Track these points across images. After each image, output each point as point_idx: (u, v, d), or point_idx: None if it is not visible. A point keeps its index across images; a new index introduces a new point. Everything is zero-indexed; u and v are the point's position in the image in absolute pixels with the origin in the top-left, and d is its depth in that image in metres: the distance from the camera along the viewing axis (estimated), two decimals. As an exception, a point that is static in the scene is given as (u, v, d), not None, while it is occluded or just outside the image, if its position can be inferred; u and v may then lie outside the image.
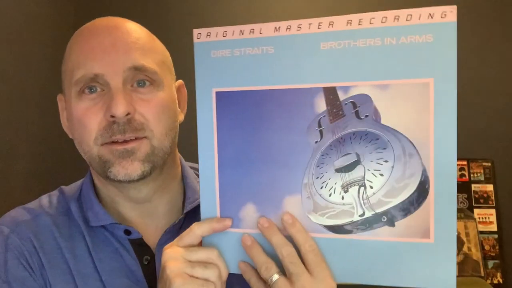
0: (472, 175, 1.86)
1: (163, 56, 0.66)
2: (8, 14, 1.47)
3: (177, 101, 0.67)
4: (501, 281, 1.72)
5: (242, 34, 0.54)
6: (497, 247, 1.77)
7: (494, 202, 1.82)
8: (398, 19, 0.49)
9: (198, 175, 0.71)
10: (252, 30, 0.54)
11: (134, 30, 0.63)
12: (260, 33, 0.54)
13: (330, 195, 0.53)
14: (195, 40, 0.56)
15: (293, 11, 2.00)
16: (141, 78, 0.61)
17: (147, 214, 0.67)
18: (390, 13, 0.50)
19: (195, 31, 0.56)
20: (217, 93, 0.56)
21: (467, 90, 1.93)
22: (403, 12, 0.49)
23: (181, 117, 0.69)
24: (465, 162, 1.87)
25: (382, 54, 0.50)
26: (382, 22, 0.50)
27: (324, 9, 1.99)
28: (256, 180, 0.55)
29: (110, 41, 0.60)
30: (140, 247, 0.64)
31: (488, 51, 1.95)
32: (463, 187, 1.84)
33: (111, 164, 0.60)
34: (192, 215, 0.66)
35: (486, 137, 1.90)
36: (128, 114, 0.58)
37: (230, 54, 0.55)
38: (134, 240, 0.64)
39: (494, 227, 1.79)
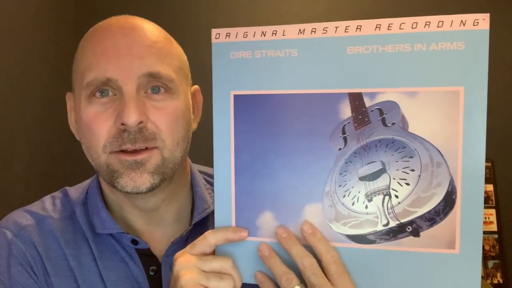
0: (472, 175, 1.86)
1: (180, 61, 0.62)
2: (8, 14, 1.44)
3: (191, 108, 0.64)
4: (501, 281, 1.73)
5: (264, 35, 0.52)
6: (497, 247, 1.78)
7: (494, 202, 1.83)
8: (429, 25, 0.48)
9: (207, 180, 0.70)
10: (274, 32, 0.52)
11: (151, 32, 0.59)
12: (283, 35, 0.52)
13: (353, 203, 0.51)
14: (213, 40, 0.54)
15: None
16: (156, 84, 0.57)
17: (154, 223, 0.64)
18: (421, 19, 0.48)
19: (214, 31, 0.54)
20: (235, 96, 0.54)
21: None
22: (434, 18, 0.48)
23: (194, 125, 0.65)
24: (465, 162, 1.87)
25: (412, 60, 0.48)
26: (412, 27, 0.48)
27: (323, 9, 1.97)
28: (274, 187, 0.53)
29: (125, 43, 0.56)
30: (146, 257, 0.62)
31: (490, 50, 1.94)
32: (463, 186, 1.85)
33: (119, 174, 0.57)
34: (200, 226, 0.63)
35: (486, 137, 1.90)
36: (140, 123, 0.55)
37: (250, 56, 0.53)
38: (140, 250, 0.62)
39: (494, 227, 1.80)
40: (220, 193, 0.55)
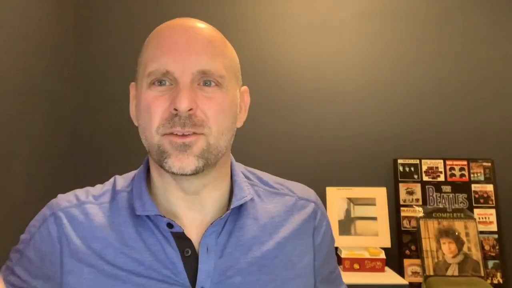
0: (472, 175, 1.86)
1: (232, 61, 0.70)
2: (9, 15, 1.44)
3: (238, 105, 0.71)
4: (501, 281, 1.73)
5: None
6: (497, 247, 1.78)
7: (494, 202, 1.83)
8: None
9: (246, 175, 0.76)
10: None
11: (209, 33, 0.67)
12: None
13: None
14: None
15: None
16: (208, 79, 0.64)
17: (194, 207, 0.69)
18: None
19: None
20: None
21: (468, 90, 1.93)
22: None
23: (239, 123, 0.72)
24: (465, 162, 1.88)
25: None
26: None
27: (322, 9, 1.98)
28: None
29: (184, 41, 0.64)
30: (181, 239, 0.66)
31: (489, 51, 1.95)
32: (463, 187, 1.85)
33: (168, 155, 0.63)
34: (236, 212, 0.69)
35: (486, 137, 1.91)
36: (190, 109, 0.62)
37: None
38: (176, 233, 0.66)
39: (494, 227, 1.80)
40: None
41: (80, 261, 0.65)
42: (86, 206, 0.69)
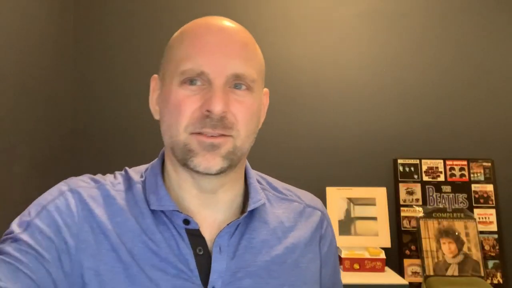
0: (472, 175, 1.86)
1: (261, 66, 0.71)
2: (9, 15, 1.44)
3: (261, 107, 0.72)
4: (501, 281, 1.73)
5: None
6: (497, 247, 1.78)
7: (494, 202, 1.83)
8: None
9: (258, 180, 0.76)
10: None
11: (243, 35, 0.67)
12: None
13: None
14: None
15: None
16: (239, 82, 0.65)
17: (208, 206, 0.69)
18: None
19: None
20: None
21: (468, 90, 1.93)
22: None
23: (260, 124, 0.72)
24: (465, 162, 1.87)
25: None
26: None
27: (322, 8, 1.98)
28: None
29: (220, 43, 0.64)
30: (194, 237, 0.66)
31: (490, 50, 1.95)
32: (463, 187, 1.85)
33: (195, 154, 0.63)
34: (248, 215, 0.69)
35: (486, 137, 1.91)
36: (223, 112, 0.62)
37: None
38: (190, 230, 0.66)
39: (494, 227, 1.80)
40: None
41: (100, 241, 0.63)
42: (106, 187, 0.68)
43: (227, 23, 0.67)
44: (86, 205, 0.65)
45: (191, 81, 0.64)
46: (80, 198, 0.65)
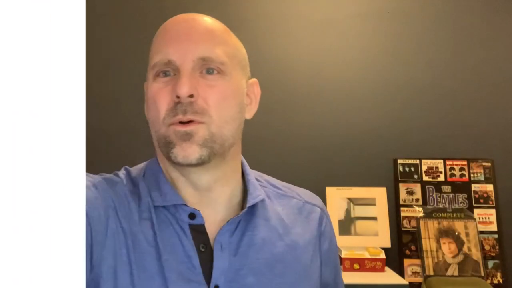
0: (472, 175, 1.86)
1: (236, 50, 0.69)
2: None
3: (245, 95, 0.70)
4: (501, 281, 1.73)
5: None
6: (497, 247, 1.78)
7: (494, 202, 1.83)
8: None
9: (257, 179, 0.75)
10: None
11: (210, 23, 0.67)
12: None
13: None
14: None
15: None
16: (210, 66, 0.64)
17: (206, 204, 0.68)
18: None
19: None
20: None
21: (467, 90, 1.93)
22: None
23: (249, 115, 0.71)
24: (465, 162, 1.87)
25: None
26: None
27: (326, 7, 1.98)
28: None
29: (185, 31, 0.65)
30: (197, 233, 0.65)
31: (490, 50, 1.95)
32: (463, 187, 1.85)
33: (173, 145, 0.63)
34: (249, 211, 0.68)
35: (486, 137, 1.91)
36: (191, 96, 0.61)
37: None
38: (194, 226, 0.65)
39: (494, 227, 1.80)
40: None
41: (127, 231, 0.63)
42: (117, 186, 0.67)
43: (195, 15, 0.68)
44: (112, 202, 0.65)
45: (164, 73, 0.64)
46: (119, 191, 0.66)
